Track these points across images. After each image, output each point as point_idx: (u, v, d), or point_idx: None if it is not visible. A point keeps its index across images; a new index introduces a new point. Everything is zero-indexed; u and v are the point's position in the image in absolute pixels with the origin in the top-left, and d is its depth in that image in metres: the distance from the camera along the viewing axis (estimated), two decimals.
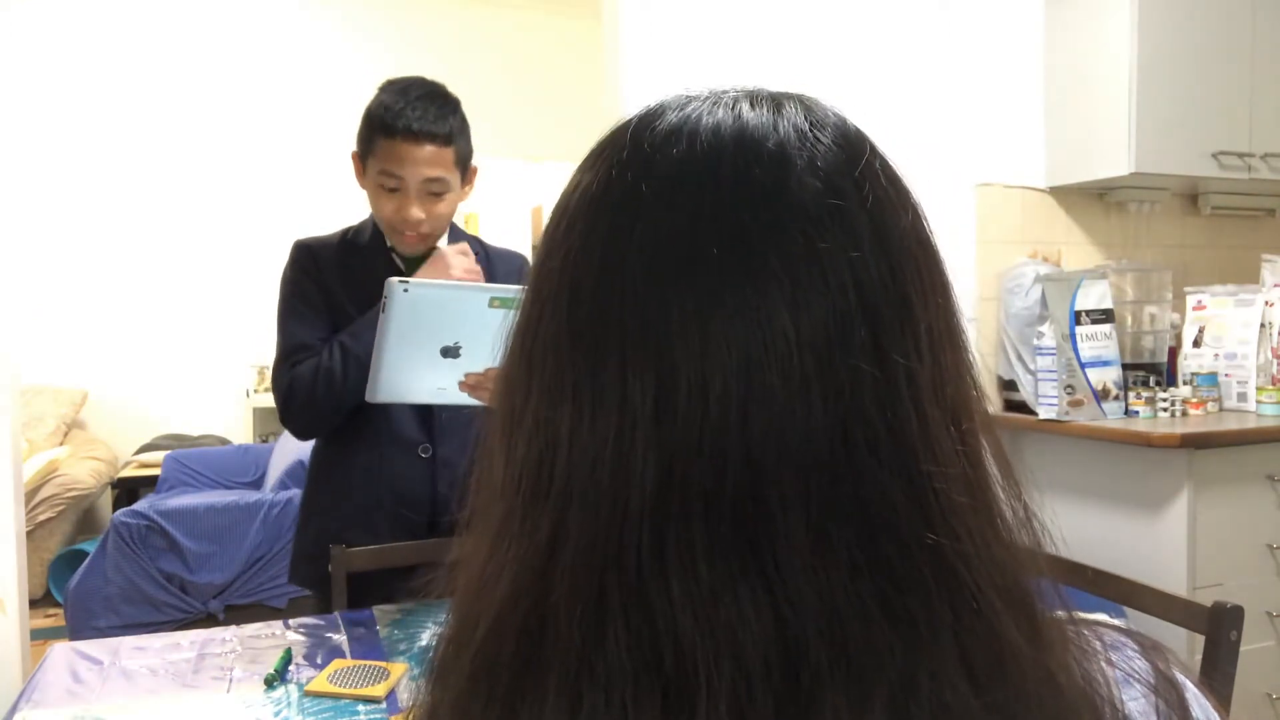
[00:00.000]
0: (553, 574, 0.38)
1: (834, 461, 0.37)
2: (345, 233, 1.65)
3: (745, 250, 0.38)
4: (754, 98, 0.43)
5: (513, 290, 1.30)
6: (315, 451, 1.67)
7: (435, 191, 1.50)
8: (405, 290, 1.28)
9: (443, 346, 1.32)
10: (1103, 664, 0.41)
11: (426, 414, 1.58)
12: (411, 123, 1.45)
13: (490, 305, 1.29)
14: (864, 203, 0.40)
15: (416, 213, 1.49)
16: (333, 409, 1.53)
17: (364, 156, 1.54)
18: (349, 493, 1.60)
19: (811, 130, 0.41)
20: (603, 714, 0.35)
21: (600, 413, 0.38)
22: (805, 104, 0.43)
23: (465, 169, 1.56)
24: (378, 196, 1.52)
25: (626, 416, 0.38)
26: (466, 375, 1.35)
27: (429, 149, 1.47)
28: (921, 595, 0.37)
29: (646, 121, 0.43)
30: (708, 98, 0.43)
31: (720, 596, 0.36)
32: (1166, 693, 0.42)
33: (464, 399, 1.37)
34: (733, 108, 0.42)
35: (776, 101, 0.43)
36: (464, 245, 1.57)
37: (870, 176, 0.41)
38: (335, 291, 1.57)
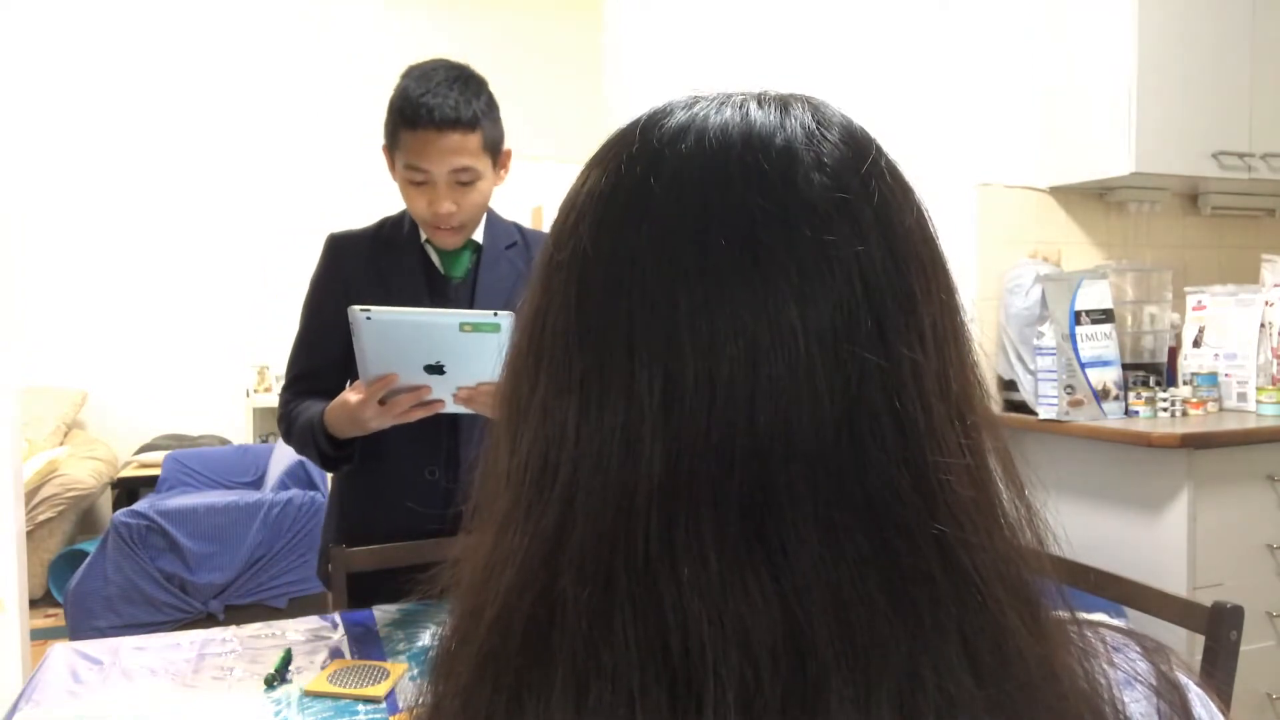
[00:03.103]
0: (559, 562, 0.38)
1: (840, 452, 0.37)
2: (381, 225, 1.62)
3: (753, 243, 0.38)
4: (761, 98, 0.43)
5: (485, 316, 1.29)
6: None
7: (465, 181, 1.46)
8: (368, 318, 1.29)
9: (425, 365, 1.33)
10: (1105, 665, 0.41)
11: (435, 437, 1.54)
12: (433, 111, 1.41)
13: (462, 330, 1.29)
14: (870, 199, 0.40)
15: (448, 206, 1.46)
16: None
17: (391, 150, 1.51)
18: (364, 512, 1.61)
19: (819, 129, 0.42)
20: (609, 703, 0.35)
21: (608, 403, 0.38)
22: (812, 105, 0.44)
23: (496, 154, 1.51)
24: (408, 191, 1.50)
25: (634, 407, 0.38)
26: (459, 389, 1.34)
27: (454, 137, 1.42)
28: (927, 587, 0.37)
29: (655, 120, 0.43)
30: (715, 98, 0.44)
31: (728, 585, 0.36)
32: (1169, 695, 0.42)
33: (461, 409, 1.38)
34: (740, 107, 0.43)
35: (784, 102, 0.43)
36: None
37: (876, 175, 0.41)
38: (360, 290, 1.53)
